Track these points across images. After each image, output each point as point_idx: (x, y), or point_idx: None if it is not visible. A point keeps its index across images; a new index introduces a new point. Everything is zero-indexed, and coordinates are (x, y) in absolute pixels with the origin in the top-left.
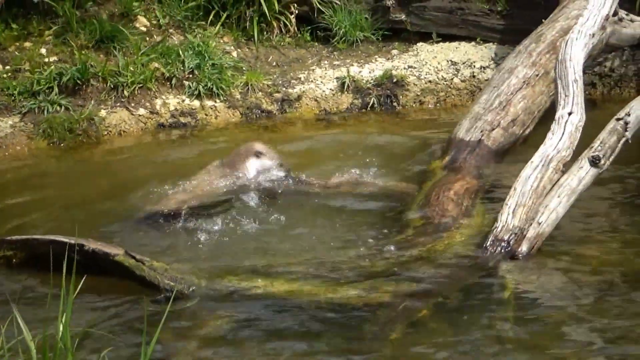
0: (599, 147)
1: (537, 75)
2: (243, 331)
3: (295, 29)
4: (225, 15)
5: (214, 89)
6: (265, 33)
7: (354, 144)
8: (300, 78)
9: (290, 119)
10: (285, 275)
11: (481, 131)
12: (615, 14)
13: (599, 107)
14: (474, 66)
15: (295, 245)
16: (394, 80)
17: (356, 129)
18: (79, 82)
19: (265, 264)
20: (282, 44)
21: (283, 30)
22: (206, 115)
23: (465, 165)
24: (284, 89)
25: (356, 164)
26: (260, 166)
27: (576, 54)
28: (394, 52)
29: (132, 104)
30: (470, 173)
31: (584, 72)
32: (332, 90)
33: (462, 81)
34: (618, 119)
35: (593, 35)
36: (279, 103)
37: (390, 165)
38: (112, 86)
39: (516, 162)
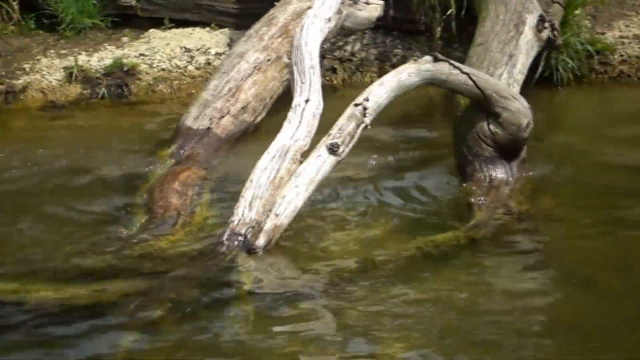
0: (337, 134)
1: (268, 60)
2: None
3: (19, 16)
4: None
5: None
6: None
7: (81, 136)
8: (25, 68)
9: (15, 112)
10: (5, 273)
11: (210, 119)
12: None
13: (340, 93)
14: (209, 53)
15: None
16: (125, 69)
17: (85, 120)
18: None
19: None
20: (4, 32)
21: (5, 18)
22: None
23: (192, 155)
24: (8, 80)
25: (81, 156)
26: None
27: (312, 39)
28: (125, 39)
29: None
30: (198, 163)
31: (324, 57)
32: (60, 80)
33: (196, 68)
34: (356, 105)
35: (329, 19)
36: (2, 95)
37: (118, 155)
38: None
39: (252, 151)
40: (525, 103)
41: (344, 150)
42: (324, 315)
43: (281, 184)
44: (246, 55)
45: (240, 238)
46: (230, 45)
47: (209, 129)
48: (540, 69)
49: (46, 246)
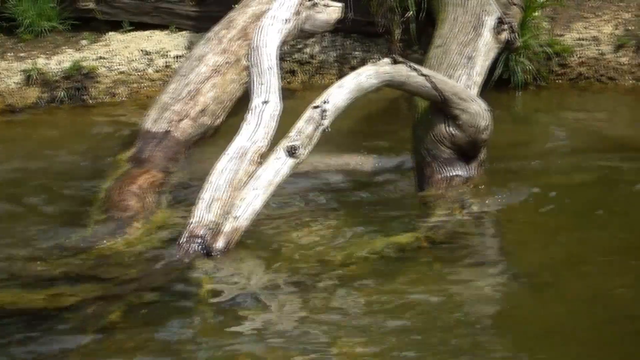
0: (296, 137)
1: (228, 62)
2: None
3: None
4: None
5: None
6: None
7: (39, 139)
8: None
9: None
10: None
11: (169, 122)
12: None
13: (300, 95)
14: (168, 55)
15: None
16: (84, 72)
17: (43, 124)
18: None
19: None
20: None
21: None
22: None
23: (151, 157)
24: None
25: (39, 160)
26: None
27: (270, 40)
28: (84, 42)
29: None
30: (157, 166)
31: (283, 59)
32: (18, 84)
33: (156, 71)
34: (315, 107)
35: (287, 20)
36: None
37: (77, 158)
38: None
39: (212, 153)
40: (484, 105)
41: (302, 152)
42: (282, 317)
43: (240, 185)
44: (205, 58)
45: (198, 240)
46: (189, 48)
47: (168, 132)
48: (499, 71)
49: (2, 250)
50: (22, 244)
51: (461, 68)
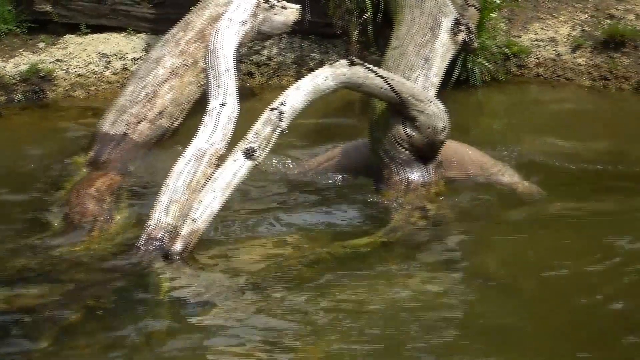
0: (254, 139)
1: (185, 65)
2: None
3: None
4: None
5: None
6: None
7: None
8: None
9: None
10: None
11: (126, 124)
12: (266, 0)
13: (258, 97)
14: (126, 58)
15: None
16: (41, 74)
17: (1, 127)
18: None
19: None
20: None
21: None
22: None
23: (109, 160)
24: None
25: None
26: None
27: (227, 42)
28: (41, 45)
29: None
30: (115, 169)
31: (241, 61)
32: None
33: (113, 74)
34: (273, 109)
35: (244, 22)
36: None
37: (34, 161)
38: None
39: (170, 156)
40: (441, 106)
41: (260, 154)
42: (241, 319)
43: (197, 187)
44: (163, 60)
45: (157, 243)
46: (147, 50)
47: (125, 134)
48: (457, 72)
49: None
50: None
51: (418, 69)
